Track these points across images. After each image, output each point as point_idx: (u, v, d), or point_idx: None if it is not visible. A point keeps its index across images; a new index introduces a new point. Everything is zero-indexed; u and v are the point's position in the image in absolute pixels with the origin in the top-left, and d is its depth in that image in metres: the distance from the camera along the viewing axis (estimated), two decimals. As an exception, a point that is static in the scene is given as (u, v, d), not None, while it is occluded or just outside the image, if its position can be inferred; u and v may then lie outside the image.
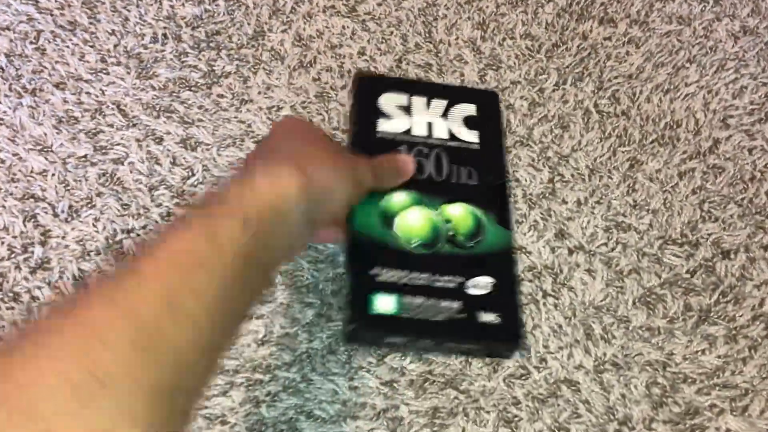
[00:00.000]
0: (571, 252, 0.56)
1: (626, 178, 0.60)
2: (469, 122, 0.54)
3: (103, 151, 0.59)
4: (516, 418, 0.50)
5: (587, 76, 0.65)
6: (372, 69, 0.64)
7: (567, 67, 0.65)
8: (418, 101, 0.54)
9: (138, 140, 0.59)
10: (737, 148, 0.62)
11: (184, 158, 0.59)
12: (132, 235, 0.55)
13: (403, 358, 0.52)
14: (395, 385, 0.51)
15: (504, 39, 0.66)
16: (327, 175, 0.44)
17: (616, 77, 0.65)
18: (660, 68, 0.66)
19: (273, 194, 0.40)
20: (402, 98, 0.54)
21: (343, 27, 0.66)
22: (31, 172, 0.57)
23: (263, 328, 0.52)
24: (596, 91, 0.64)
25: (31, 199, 0.56)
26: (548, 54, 0.66)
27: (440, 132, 0.53)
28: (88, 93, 0.61)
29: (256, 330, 0.52)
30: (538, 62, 0.65)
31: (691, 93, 0.64)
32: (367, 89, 0.54)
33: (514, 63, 0.65)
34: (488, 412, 0.50)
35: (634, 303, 0.55)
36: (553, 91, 0.64)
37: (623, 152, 0.61)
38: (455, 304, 0.45)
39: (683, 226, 0.58)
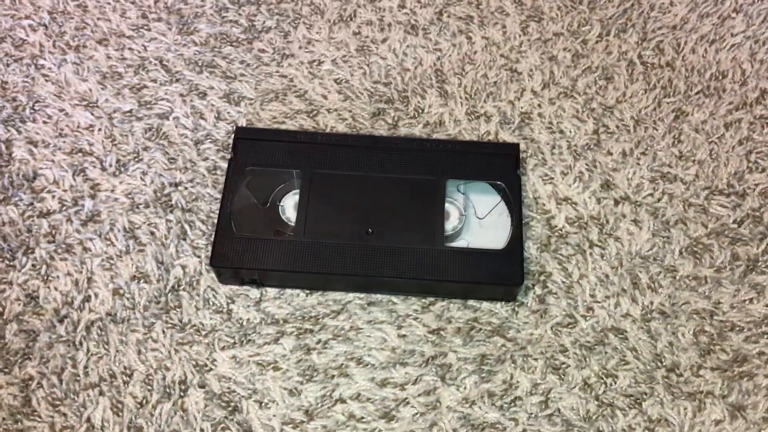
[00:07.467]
0: (617, 203, 0.56)
1: (671, 129, 0.59)
2: None
3: (148, 106, 0.59)
4: (564, 365, 0.50)
5: (631, 27, 0.64)
6: (412, 22, 0.63)
7: (610, 18, 0.64)
8: None
9: (182, 95, 0.59)
10: (785, 98, 0.61)
11: (228, 113, 0.59)
12: (180, 188, 0.56)
13: (447, 309, 0.52)
14: (442, 332, 0.51)
15: (545, -10, 0.65)
16: None
17: (660, 28, 0.64)
18: (705, 18, 0.64)
19: None
20: None
21: (383, -20, 0.65)
22: (78, 127, 0.58)
23: (311, 278, 0.52)
24: (640, 42, 0.63)
25: (79, 154, 0.57)
26: (591, 5, 0.65)
27: None
28: (130, 49, 0.61)
29: (305, 280, 0.52)
30: (581, 13, 0.64)
31: (737, 43, 0.63)
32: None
33: (557, 14, 0.64)
34: (536, 359, 0.51)
35: (680, 253, 0.54)
36: (597, 42, 0.63)
37: (668, 103, 0.60)
38: None
39: (730, 176, 0.58)
